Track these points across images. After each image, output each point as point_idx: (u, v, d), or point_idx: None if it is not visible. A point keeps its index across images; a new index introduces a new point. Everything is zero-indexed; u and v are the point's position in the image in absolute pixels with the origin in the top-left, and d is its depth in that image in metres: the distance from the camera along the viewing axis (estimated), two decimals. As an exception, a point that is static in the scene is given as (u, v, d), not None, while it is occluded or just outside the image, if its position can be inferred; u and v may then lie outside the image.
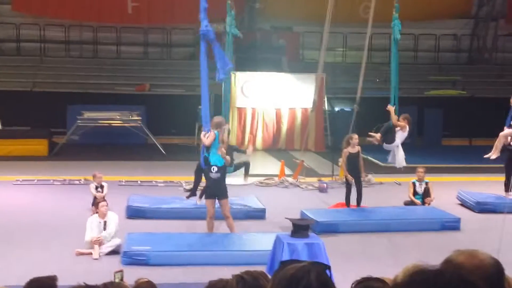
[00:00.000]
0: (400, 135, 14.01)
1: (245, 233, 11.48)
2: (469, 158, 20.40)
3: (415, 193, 13.99)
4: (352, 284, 3.42)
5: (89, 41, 26.17)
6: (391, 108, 14.17)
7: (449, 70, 27.27)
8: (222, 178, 11.17)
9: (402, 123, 13.88)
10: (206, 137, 11.06)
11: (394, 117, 14.01)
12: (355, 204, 13.37)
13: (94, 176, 13.38)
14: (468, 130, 24.15)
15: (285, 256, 8.95)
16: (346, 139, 13.43)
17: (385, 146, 14.31)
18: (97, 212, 11.07)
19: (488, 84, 26.58)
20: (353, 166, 13.25)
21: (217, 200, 11.08)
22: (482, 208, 13.80)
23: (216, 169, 10.95)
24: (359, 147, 13.33)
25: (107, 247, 10.54)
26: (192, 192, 13.28)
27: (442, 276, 1.46)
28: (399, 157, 14.20)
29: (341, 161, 13.78)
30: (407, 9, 24.78)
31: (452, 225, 12.59)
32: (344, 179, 13.66)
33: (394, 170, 15.38)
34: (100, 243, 10.48)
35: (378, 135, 14.07)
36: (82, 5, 24.92)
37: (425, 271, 1.51)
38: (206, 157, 11.11)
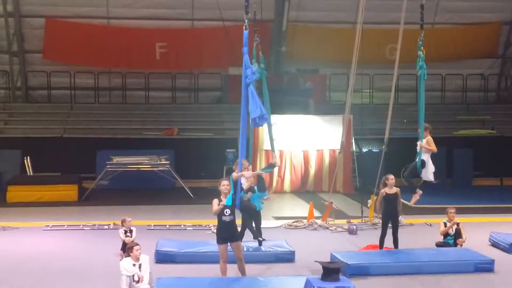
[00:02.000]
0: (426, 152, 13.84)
1: (274, 276, 11.33)
2: (501, 198, 20.18)
3: (446, 234, 13.79)
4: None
5: (118, 87, 26.57)
6: (421, 143, 13.98)
7: (477, 110, 27.17)
8: (234, 220, 11.11)
9: (431, 146, 13.72)
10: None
11: (426, 145, 13.81)
12: (391, 246, 13.21)
13: (123, 221, 13.35)
14: (499, 169, 23.92)
15: (316, 300, 8.82)
16: (383, 180, 13.31)
17: (423, 175, 14.05)
18: (128, 256, 11.00)
19: (517, 123, 26.36)
20: (390, 208, 13.08)
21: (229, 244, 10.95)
22: (516, 249, 13.57)
23: (229, 212, 10.89)
24: (397, 188, 13.16)
25: (138, 294, 10.43)
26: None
27: None
28: (429, 170, 13.94)
29: (372, 201, 13.62)
30: (433, 49, 24.94)
31: (486, 267, 12.30)
32: (374, 220, 13.49)
33: (424, 211, 15.19)
34: (140, 279, 10.38)
35: (418, 192, 13.92)
36: (111, 52, 25.34)
37: None
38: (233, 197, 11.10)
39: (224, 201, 10.88)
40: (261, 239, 13.11)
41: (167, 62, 26.03)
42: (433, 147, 13.79)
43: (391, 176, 13.29)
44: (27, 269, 12.20)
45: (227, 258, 10.99)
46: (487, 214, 17.73)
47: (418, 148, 13.94)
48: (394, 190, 13.10)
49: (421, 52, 13.69)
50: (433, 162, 14.08)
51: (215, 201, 10.89)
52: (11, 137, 23.51)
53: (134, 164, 21.39)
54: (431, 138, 13.83)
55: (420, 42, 13.72)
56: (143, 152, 22.14)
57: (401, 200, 13.63)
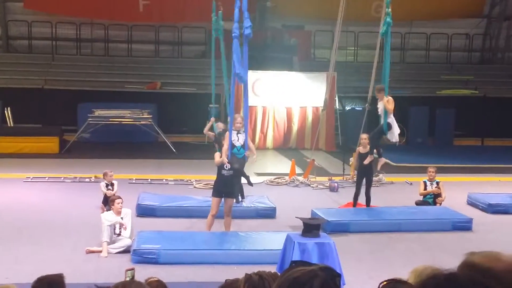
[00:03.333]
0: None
1: (255, 232, 11.44)
2: (481, 158, 20.36)
3: (426, 193, 13.93)
4: (380, 284, 3.38)
5: (100, 39, 26.25)
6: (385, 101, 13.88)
7: (461, 70, 27.19)
8: (234, 176, 11.18)
9: (391, 106, 13.67)
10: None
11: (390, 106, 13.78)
12: (364, 204, 13.33)
13: (104, 174, 13.37)
14: (480, 130, 24.05)
15: (295, 256, 8.90)
16: (359, 140, 13.41)
17: (389, 136, 14.06)
18: (108, 210, 11.06)
19: (500, 84, 26.48)
20: (365, 166, 13.20)
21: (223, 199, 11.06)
22: (494, 209, 13.73)
23: (229, 167, 10.95)
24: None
25: (118, 247, 10.49)
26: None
27: (455, 279, 1.41)
28: (394, 131, 13.94)
29: (353, 159, 13.71)
30: (419, 8, 24.86)
31: (464, 225, 12.50)
32: (355, 178, 13.61)
33: (405, 170, 15.33)
34: (124, 227, 10.51)
35: (382, 160, 13.96)
36: (94, 3, 24.97)
37: (437, 275, 1.46)
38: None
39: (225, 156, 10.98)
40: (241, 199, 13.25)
41: (150, 15, 25.73)
42: (391, 107, 13.68)
43: (364, 136, 13.40)
44: (7, 220, 12.23)
45: (216, 213, 11.10)
46: (467, 174, 17.89)
47: (379, 110, 13.89)
48: (367, 148, 13.18)
49: (389, 9, 13.55)
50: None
51: (217, 154, 11.04)
52: (-9, 87, 23.25)
53: (116, 117, 21.30)
54: (391, 98, 13.73)
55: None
56: (126, 106, 22.02)
57: (384, 159, 13.73)
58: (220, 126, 13.78)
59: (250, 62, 21.41)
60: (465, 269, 2.59)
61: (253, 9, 23.93)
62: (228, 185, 11.05)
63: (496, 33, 28.18)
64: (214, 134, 14.18)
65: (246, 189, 13.66)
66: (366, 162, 13.32)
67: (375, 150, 13.35)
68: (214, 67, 15.37)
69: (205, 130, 14.78)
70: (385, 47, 13.87)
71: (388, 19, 13.31)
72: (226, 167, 10.94)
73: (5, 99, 22.47)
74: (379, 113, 13.82)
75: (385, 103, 13.46)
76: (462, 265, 2.61)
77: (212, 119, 14.70)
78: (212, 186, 11.55)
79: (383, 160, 13.99)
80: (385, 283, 3.39)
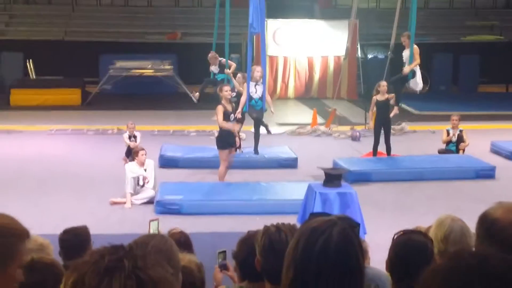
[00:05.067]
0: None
1: (277, 182, 11.51)
2: (506, 105, 20.16)
3: (449, 141, 13.87)
4: (394, 235, 3.43)
5: (120, -11, 26.09)
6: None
7: (486, 15, 26.72)
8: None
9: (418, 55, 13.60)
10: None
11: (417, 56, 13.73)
12: (385, 153, 13.34)
13: (127, 126, 13.46)
14: (505, 76, 23.74)
15: (317, 206, 8.96)
16: (376, 87, 13.32)
17: (412, 84, 13.98)
18: (131, 161, 11.16)
19: (526, 29, 25.99)
20: (383, 115, 13.14)
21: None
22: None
23: (233, 118, 11.02)
24: (390, 95, 13.18)
25: (141, 198, 10.63)
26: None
27: (483, 260, 1.41)
28: (418, 80, 13.89)
29: (370, 109, 13.65)
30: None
31: (487, 173, 12.49)
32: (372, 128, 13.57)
33: (428, 118, 15.25)
34: (145, 181, 10.65)
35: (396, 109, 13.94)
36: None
37: (467, 257, 1.45)
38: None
39: (228, 107, 10.99)
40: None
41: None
42: (418, 57, 13.63)
43: (383, 83, 13.28)
44: (32, 172, 12.41)
45: (231, 164, 11.20)
46: (491, 121, 17.75)
47: (404, 58, 13.79)
48: (386, 96, 13.09)
49: None
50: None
51: (220, 107, 10.94)
52: (12, 39, 23.29)
53: (137, 69, 21.29)
54: (417, 47, 13.64)
55: None
56: (146, 57, 21.98)
57: (406, 107, 13.67)
58: (240, 77, 13.75)
59: (270, 10, 21.46)
60: (482, 220, 2.61)
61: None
62: (233, 136, 11.10)
63: (523, -24, 27.60)
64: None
65: (267, 139, 13.72)
66: (392, 114, 13.32)
67: (392, 97, 13.26)
68: (229, 16, 15.22)
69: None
70: None
71: None
72: (231, 118, 10.97)
73: (27, 52, 22.50)
74: (404, 60, 13.74)
75: (415, 52, 13.41)
76: (481, 217, 2.63)
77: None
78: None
79: (396, 109, 13.96)
80: (401, 233, 3.44)
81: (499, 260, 1.43)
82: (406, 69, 13.58)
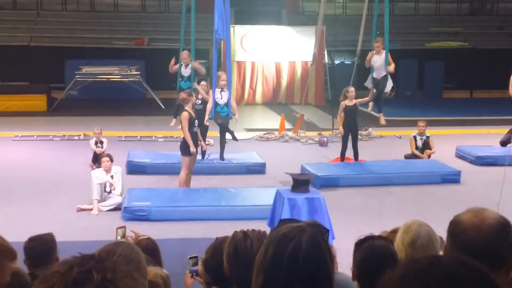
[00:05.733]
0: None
1: (245, 188, 11.51)
2: (470, 111, 20.44)
3: (416, 147, 14.01)
4: (356, 243, 3.44)
5: (86, -6, 25.92)
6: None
7: (451, 22, 27.08)
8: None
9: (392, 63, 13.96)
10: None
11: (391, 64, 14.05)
12: (353, 158, 13.41)
13: (94, 132, 13.36)
14: (470, 82, 24.07)
15: (285, 211, 8.96)
16: (343, 92, 13.40)
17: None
18: (98, 167, 11.08)
19: (489, 36, 26.37)
20: (350, 120, 13.22)
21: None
22: (482, 162, 13.83)
23: (197, 123, 11.05)
24: (357, 100, 13.29)
25: (108, 205, 10.54)
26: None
27: (439, 264, 1.43)
28: (389, 82, 14.15)
29: (338, 115, 13.72)
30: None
31: (453, 178, 12.62)
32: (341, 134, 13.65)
33: (394, 123, 15.38)
34: (112, 188, 10.57)
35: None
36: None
37: (420, 260, 1.48)
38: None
39: (192, 113, 11.00)
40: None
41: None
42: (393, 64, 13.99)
43: (351, 89, 13.40)
44: (-2, 179, 12.24)
45: (192, 170, 11.19)
46: (456, 127, 17.96)
47: (378, 63, 14.00)
48: (354, 102, 13.19)
49: None
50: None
51: (185, 114, 10.93)
52: (-24, 45, 23.02)
53: (103, 74, 21.16)
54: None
55: None
56: (113, 62, 21.82)
57: (373, 113, 13.77)
58: (204, 84, 13.68)
59: (238, 16, 21.52)
60: (450, 227, 2.63)
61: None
62: (197, 143, 11.14)
63: (486, -16, 28.03)
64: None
65: (236, 145, 13.71)
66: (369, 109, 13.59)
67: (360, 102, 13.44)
68: (184, 21, 15.16)
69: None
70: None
71: None
72: (196, 123, 11.00)
73: (-9, 57, 22.26)
74: (377, 66, 13.88)
75: (390, 58, 13.62)
76: (451, 222, 2.66)
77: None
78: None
79: (381, 117, 14.18)
80: (362, 238, 3.45)
81: (450, 260, 1.46)
82: (391, 68, 13.81)
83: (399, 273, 1.43)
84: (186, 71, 14.26)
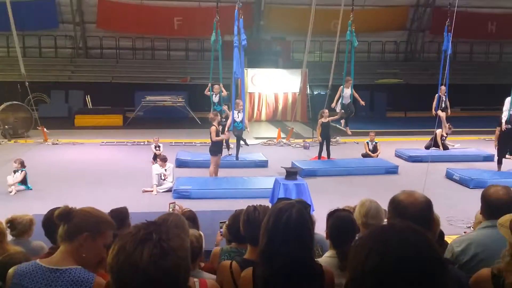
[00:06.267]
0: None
1: (254, 177, 11.50)
2: (405, 125, 20.36)
3: (368, 149, 13.97)
4: (327, 214, 3.43)
5: (148, 48, 26.01)
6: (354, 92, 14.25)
7: (391, 66, 27.03)
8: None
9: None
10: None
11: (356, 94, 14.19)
12: (326, 157, 13.38)
13: (153, 140, 13.38)
14: (404, 106, 24.01)
15: (281, 193, 8.96)
16: (320, 113, 13.38)
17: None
18: (156, 163, 11.10)
19: (417, 75, 26.34)
20: (325, 131, 13.22)
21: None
22: (413, 159, 13.79)
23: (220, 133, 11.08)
24: (330, 118, 13.27)
25: (163, 188, 10.56)
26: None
27: (395, 227, 1.43)
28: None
29: (317, 128, 13.69)
30: (362, 24, 24.62)
31: (393, 170, 12.58)
32: (318, 140, 13.62)
33: (354, 134, 15.33)
34: (165, 177, 10.52)
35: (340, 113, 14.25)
36: (143, 23, 24.70)
37: (382, 225, 1.48)
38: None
39: (217, 126, 10.98)
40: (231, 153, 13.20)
41: (182, 30, 25.45)
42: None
43: (326, 111, 13.41)
44: (92, 170, 12.29)
45: (218, 165, 11.21)
46: (395, 136, 17.90)
47: (347, 94, 14.07)
48: (327, 119, 13.18)
49: (351, 27, 13.54)
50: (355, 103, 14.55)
51: (213, 128, 10.93)
52: (77, 82, 23.14)
53: (160, 101, 21.23)
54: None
55: (350, 21, 13.56)
56: (166, 93, 21.91)
57: (339, 126, 13.72)
58: (225, 108, 13.72)
59: (249, 62, 21.48)
60: (392, 202, 2.64)
61: (251, 26, 23.71)
62: (221, 147, 11.15)
63: (415, 40, 27.94)
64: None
65: (247, 148, 13.69)
66: (338, 116, 13.81)
67: (332, 119, 13.45)
68: (220, 65, 15.07)
69: (206, 91, 14.45)
70: (352, 51, 13.89)
71: (349, 34, 13.45)
72: (220, 135, 11.02)
73: (86, 89, 22.38)
74: (346, 96, 13.98)
75: (355, 92, 13.75)
76: (391, 199, 2.66)
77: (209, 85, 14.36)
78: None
79: (348, 129, 14.23)
80: (332, 210, 3.45)
81: (401, 224, 1.46)
82: (359, 99, 14.16)
83: (368, 233, 1.43)
84: (215, 98, 14.26)
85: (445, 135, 14.76)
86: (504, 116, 11.55)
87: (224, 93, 14.36)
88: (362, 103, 14.43)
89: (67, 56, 25.39)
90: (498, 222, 2.44)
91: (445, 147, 14.67)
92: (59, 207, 2.48)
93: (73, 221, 2.32)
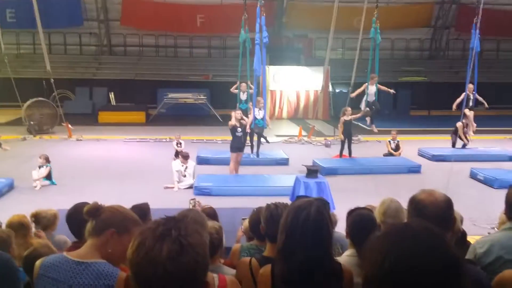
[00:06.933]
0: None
1: (275, 175, 11.50)
2: (428, 124, 20.11)
3: (390, 148, 13.84)
4: (347, 212, 3.42)
5: (171, 45, 26.16)
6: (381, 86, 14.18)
7: (416, 64, 26.67)
8: (244, 136, 11.25)
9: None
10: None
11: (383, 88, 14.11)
12: (347, 155, 13.30)
13: (175, 137, 13.48)
14: (428, 104, 23.68)
15: (302, 190, 8.95)
16: (343, 111, 13.28)
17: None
18: (178, 159, 11.19)
19: (442, 73, 25.91)
20: (347, 129, 13.12)
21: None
22: (436, 158, 13.61)
23: (241, 130, 11.04)
24: (352, 116, 13.16)
25: (184, 185, 10.64)
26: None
27: (410, 227, 1.42)
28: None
29: (339, 126, 13.60)
30: (386, 21, 24.36)
31: (416, 169, 12.46)
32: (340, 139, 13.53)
33: (375, 132, 15.20)
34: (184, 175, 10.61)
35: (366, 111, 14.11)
36: (167, 21, 24.84)
37: (397, 225, 1.48)
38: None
39: (237, 123, 10.94)
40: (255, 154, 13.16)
41: (204, 28, 25.52)
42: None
43: (349, 108, 13.28)
44: (114, 166, 12.46)
45: (239, 162, 11.19)
46: (418, 134, 17.68)
47: (372, 91, 13.92)
48: (350, 117, 13.06)
49: (375, 24, 13.40)
50: (382, 99, 14.45)
51: (230, 122, 10.93)
52: (100, 79, 23.42)
53: (182, 98, 21.35)
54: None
55: (374, 18, 13.42)
56: (189, 90, 22.02)
57: (362, 125, 13.61)
58: (243, 85, 13.65)
59: (271, 60, 21.48)
60: (411, 201, 2.61)
61: (273, 24, 23.66)
62: (241, 143, 11.11)
63: (440, 37, 27.52)
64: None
65: (268, 146, 13.70)
66: (375, 130, 13.79)
67: (355, 117, 13.33)
68: (241, 64, 15.00)
69: (232, 89, 14.42)
70: (376, 48, 13.76)
71: (374, 32, 13.32)
72: (239, 130, 10.95)
73: (110, 86, 22.65)
74: (371, 93, 13.86)
75: (380, 85, 13.64)
76: (411, 198, 2.63)
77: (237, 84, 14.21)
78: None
79: (374, 127, 14.12)
80: (352, 208, 3.43)
81: (417, 223, 1.45)
82: (386, 89, 14.10)
83: (384, 231, 1.43)
84: (243, 96, 14.08)
85: (472, 134, 14.53)
86: None
87: (252, 90, 14.28)
88: (392, 91, 14.32)
89: (92, 53, 25.71)
90: None
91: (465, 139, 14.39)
92: (83, 202, 2.54)
93: (101, 217, 2.38)
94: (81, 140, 15.92)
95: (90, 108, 21.97)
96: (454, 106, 14.25)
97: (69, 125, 16.42)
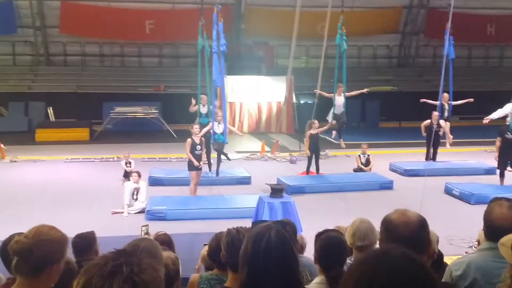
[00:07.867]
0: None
1: (236, 195, 11.47)
2: (399, 136, 20.54)
3: (360, 163, 14.05)
4: (316, 235, 3.43)
5: (118, 54, 25.91)
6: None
7: (384, 72, 27.32)
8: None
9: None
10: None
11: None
12: (315, 172, 13.39)
13: (124, 155, 13.29)
14: (398, 115, 24.24)
15: (266, 212, 8.93)
16: (309, 124, 13.37)
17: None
18: (129, 180, 11.02)
19: (412, 82, 26.64)
20: (314, 144, 13.21)
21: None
22: (409, 173, 13.86)
23: (200, 148, 11.02)
24: (318, 129, 13.28)
25: (135, 209, 10.47)
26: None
27: (388, 255, 1.44)
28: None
29: (305, 140, 13.69)
30: (352, 27, 24.89)
31: (387, 185, 12.66)
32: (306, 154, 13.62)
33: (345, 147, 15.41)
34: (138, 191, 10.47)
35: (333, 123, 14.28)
36: (112, 27, 24.60)
37: (375, 253, 1.50)
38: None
39: (196, 140, 10.95)
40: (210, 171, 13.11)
41: (154, 35, 25.42)
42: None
43: (316, 121, 13.38)
44: (53, 190, 12.16)
45: (198, 182, 11.11)
46: (389, 148, 18.02)
47: (340, 102, 14.15)
48: (316, 131, 13.17)
49: (341, 30, 13.65)
50: (348, 110, 14.77)
51: (189, 140, 10.92)
52: (37, 92, 22.91)
53: (131, 113, 21.14)
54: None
55: (340, 24, 13.65)
56: (138, 104, 21.85)
57: (329, 138, 13.78)
58: (204, 98, 13.39)
59: (229, 69, 21.57)
60: (384, 222, 2.64)
61: (230, 30, 23.79)
62: (200, 161, 11.10)
63: (408, 44, 28.34)
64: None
65: (228, 163, 13.67)
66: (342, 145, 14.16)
67: (321, 131, 13.47)
68: (200, 74, 14.98)
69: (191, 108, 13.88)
70: (343, 56, 13.92)
71: (339, 38, 13.53)
72: (198, 148, 10.94)
73: (48, 101, 22.17)
74: (338, 104, 14.03)
75: (349, 95, 13.89)
76: (383, 219, 2.66)
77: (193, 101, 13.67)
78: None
79: (342, 141, 14.31)
80: (321, 231, 3.45)
81: (395, 250, 1.47)
82: (360, 90, 14.75)
83: (360, 260, 1.44)
84: (204, 109, 13.63)
85: (448, 147, 14.93)
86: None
87: (217, 103, 14.06)
88: (365, 90, 14.61)
89: (27, 64, 25.14)
90: (500, 241, 2.45)
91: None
92: (19, 233, 2.44)
93: (37, 255, 2.27)
94: (15, 161, 15.49)
95: (26, 125, 21.43)
96: (423, 132, 14.54)
97: (2, 145, 15.95)
